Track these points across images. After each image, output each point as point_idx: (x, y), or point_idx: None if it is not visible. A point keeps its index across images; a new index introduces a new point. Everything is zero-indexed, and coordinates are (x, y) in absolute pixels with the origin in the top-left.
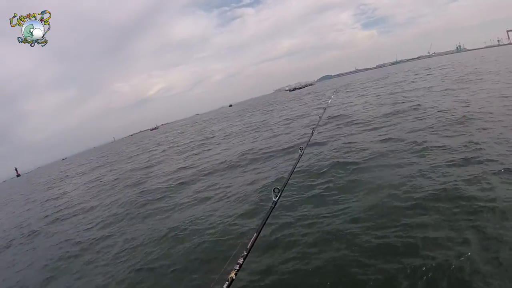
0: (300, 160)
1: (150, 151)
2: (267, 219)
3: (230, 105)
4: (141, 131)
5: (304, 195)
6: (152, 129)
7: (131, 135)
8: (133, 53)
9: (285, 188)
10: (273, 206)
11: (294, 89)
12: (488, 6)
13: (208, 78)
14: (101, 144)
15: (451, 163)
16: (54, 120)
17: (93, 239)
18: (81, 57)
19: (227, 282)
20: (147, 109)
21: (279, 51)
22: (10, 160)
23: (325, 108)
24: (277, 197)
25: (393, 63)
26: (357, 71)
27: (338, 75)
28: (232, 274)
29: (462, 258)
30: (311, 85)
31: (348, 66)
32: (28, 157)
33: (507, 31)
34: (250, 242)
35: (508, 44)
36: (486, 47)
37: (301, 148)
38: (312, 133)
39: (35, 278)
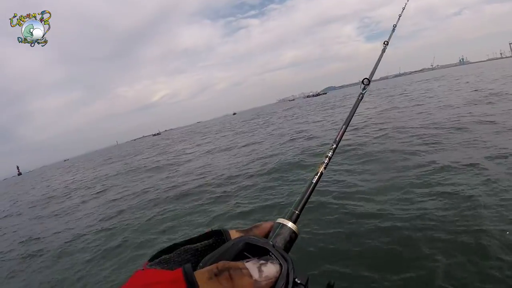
0: None
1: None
2: (355, 111)
3: (234, 113)
4: (144, 136)
5: None
6: (154, 135)
7: (134, 140)
8: (138, 59)
9: None
10: (360, 98)
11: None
12: (490, 20)
13: (212, 86)
14: (104, 147)
15: None
16: (58, 120)
17: None
18: (87, 60)
19: (316, 176)
20: (150, 115)
21: (282, 61)
22: (13, 158)
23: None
24: (365, 89)
25: (396, 75)
26: (360, 82)
27: (341, 87)
28: (321, 168)
29: None
30: (324, 94)
31: (351, 77)
32: (30, 156)
33: (510, 44)
34: (339, 135)
35: (510, 56)
36: (489, 59)
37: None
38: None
39: None
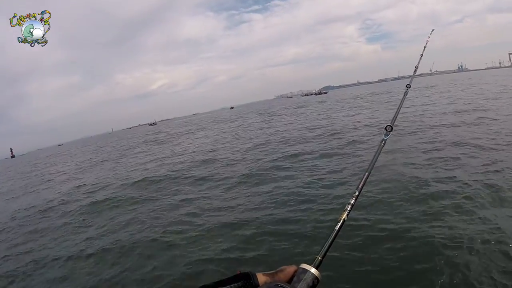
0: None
1: None
2: (377, 158)
3: (232, 107)
4: (139, 125)
5: None
6: (150, 124)
7: (130, 128)
8: (139, 47)
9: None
10: (382, 145)
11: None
12: (492, 29)
13: (211, 79)
14: (99, 133)
15: None
16: (55, 104)
17: None
18: (88, 44)
19: (339, 224)
20: (148, 104)
21: (283, 58)
22: (7, 140)
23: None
24: (388, 135)
25: (395, 79)
26: (359, 83)
27: (340, 87)
28: (344, 216)
29: None
30: (325, 93)
31: (350, 78)
32: (25, 138)
33: (509, 54)
34: (362, 182)
35: (509, 66)
36: (487, 68)
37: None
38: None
39: None
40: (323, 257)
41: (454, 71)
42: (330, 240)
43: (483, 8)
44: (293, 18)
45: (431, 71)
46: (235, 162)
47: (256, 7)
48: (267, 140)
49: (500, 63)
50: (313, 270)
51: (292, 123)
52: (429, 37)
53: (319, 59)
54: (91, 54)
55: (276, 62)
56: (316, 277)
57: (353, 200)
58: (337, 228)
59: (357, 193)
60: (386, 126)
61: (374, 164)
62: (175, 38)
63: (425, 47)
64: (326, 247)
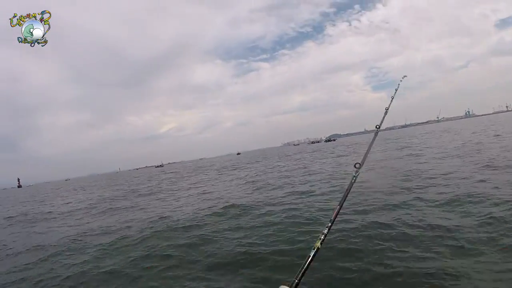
0: None
1: None
2: (348, 192)
3: (239, 153)
4: (146, 167)
5: None
6: (157, 166)
7: (137, 169)
8: (150, 90)
9: None
10: (353, 181)
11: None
12: (497, 72)
13: (218, 124)
14: (106, 172)
15: None
16: (65, 139)
17: None
18: (101, 84)
19: (313, 251)
20: (155, 146)
21: (290, 105)
22: (15, 169)
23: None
24: (358, 173)
25: (402, 126)
26: (366, 131)
27: (347, 135)
28: (318, 243)
29: None
30: (334, 140)
31: (357, 126)
32: (33, 170)
33: None
34: (334, 214)
35: None
36: (495, 112)
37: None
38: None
39: None
40: (299, 280)
41: (461, 117)
42: (306, 265)
43: (487, 52)
44: (300, 67)
45: (438, 118)
46: None
47: (264, 56)
48: None
49: (507, 106)
50: None
51: None
52: (398, 84)
53: (325, 107)
54: (103, 93)
55: (283, 110)
56: None
57: (326, 230)
58: (311, 255)
59: (330, 224)
60: (356, 164)
61: (345, 198)
62: (185, 84)
63: (392, 97)
64: (302, 271)
